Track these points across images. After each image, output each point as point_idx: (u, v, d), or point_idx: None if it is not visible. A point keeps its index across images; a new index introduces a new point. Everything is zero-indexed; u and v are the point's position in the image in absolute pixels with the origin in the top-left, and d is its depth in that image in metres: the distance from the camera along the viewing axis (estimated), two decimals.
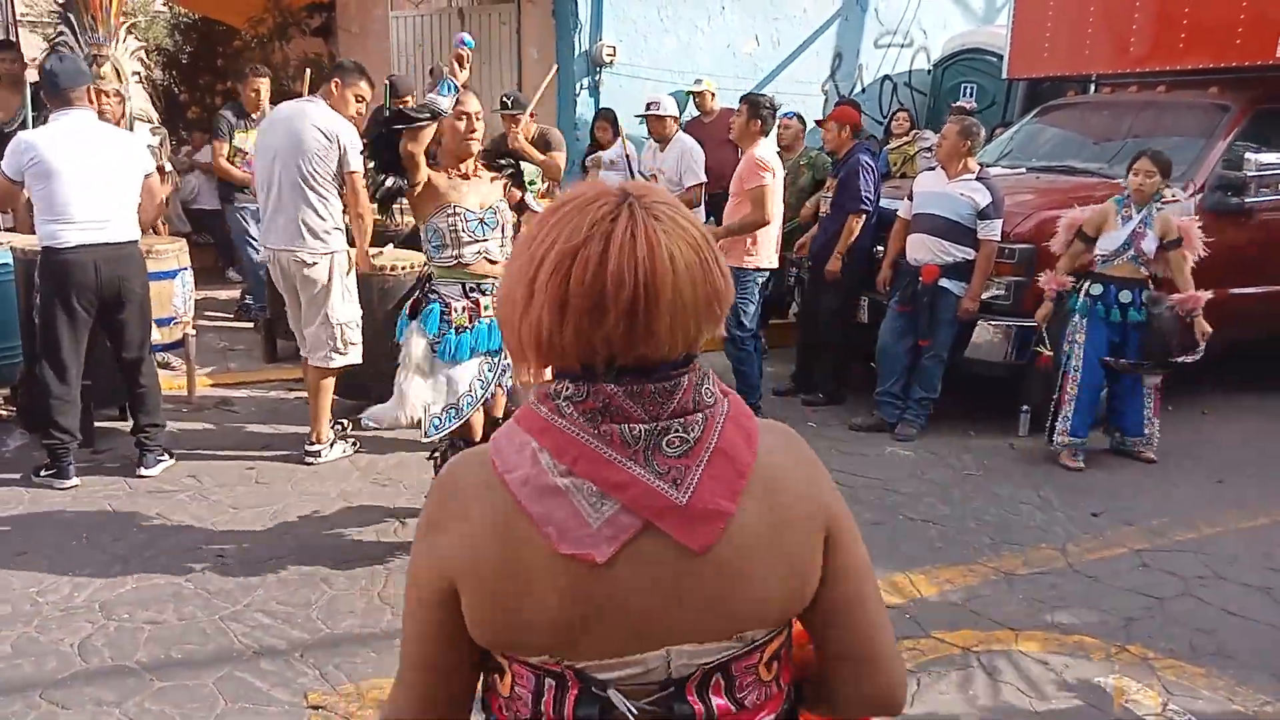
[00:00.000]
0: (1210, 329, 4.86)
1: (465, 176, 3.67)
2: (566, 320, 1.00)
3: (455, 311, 3.62)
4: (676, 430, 1.03)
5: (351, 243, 4.95)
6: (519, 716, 1.07)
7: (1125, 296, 4.95)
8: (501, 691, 1.09)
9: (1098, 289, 5.00)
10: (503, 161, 5.09)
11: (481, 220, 3.63)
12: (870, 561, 1.15)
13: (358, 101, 4.84)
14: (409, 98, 6.96)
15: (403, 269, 5.47)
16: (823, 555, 1.09)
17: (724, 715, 1.05)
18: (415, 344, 3.62)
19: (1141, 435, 5.18)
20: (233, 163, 6.93)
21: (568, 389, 1.04)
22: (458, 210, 3.58)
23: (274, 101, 6.50)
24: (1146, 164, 4.90)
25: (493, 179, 3.80)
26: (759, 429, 1.09)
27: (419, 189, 3.60)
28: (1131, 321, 4.96)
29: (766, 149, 5.56)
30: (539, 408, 1.05)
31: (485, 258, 3.66)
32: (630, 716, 1.02)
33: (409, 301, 3.77)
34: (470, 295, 3.66)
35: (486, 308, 3.69)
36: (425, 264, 3.82)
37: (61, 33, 5.31)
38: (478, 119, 3.70)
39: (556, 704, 1.05)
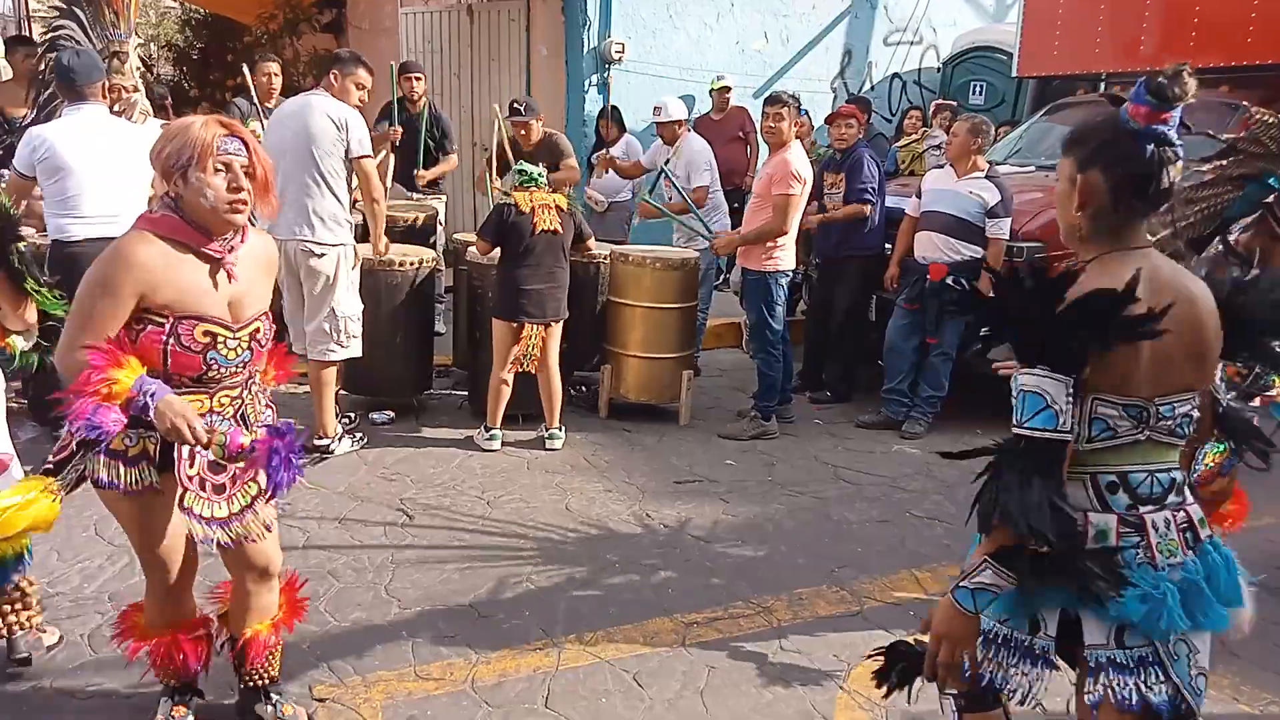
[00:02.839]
0: None
1: None
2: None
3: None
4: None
5: (358, 238, 4.96)
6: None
7: None
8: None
9: None
10: (526, 168, 5.10)
11: None
12: None
13: (359, 89, 4.85)
14: (419, 75, 6.95)
15: (410, 264, 5.46)
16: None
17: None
18: None
19: None
20: None
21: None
22: None
23: (284, 95, 6.51)
24: None
25: None
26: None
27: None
28: None
29: (800, 155, 5.34)
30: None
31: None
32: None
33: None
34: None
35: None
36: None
37: (60, 26, 5.19)
38: None
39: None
